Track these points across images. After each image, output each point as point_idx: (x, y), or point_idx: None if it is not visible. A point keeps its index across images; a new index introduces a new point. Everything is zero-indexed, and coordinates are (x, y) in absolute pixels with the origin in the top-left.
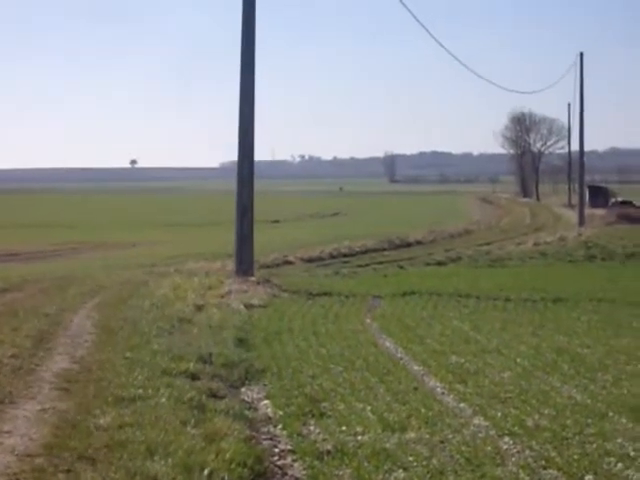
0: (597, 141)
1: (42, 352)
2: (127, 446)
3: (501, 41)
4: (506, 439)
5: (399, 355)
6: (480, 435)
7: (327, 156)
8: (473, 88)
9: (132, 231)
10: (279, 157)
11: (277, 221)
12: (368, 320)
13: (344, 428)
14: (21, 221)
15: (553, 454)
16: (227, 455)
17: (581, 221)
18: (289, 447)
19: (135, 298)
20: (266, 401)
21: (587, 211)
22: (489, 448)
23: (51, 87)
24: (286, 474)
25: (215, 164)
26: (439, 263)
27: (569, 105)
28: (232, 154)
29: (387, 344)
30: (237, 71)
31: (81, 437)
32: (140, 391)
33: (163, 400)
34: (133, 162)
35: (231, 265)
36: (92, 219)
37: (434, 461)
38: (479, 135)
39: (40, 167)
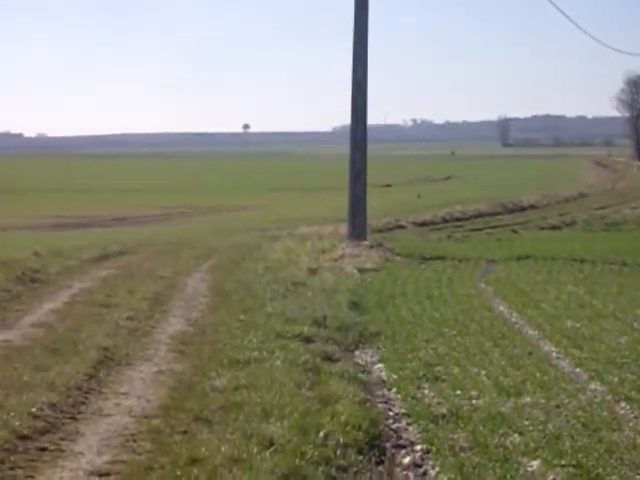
0: None
1: (158, 314)
2: (243, 408)
3: (616, 2)
4: (623, 404)
5: (513, 319)
6: (596, 400)
7: (439, 120)
8: (588, 51)
9: (245, 195)
10: (391, 121)
11: (389, 185)
12: (482, 284)
13: (459, 392)
14: (133, 185)
15: None
16: (342, 418)
17: None
18: (403, 410)
19: (248, 261)
20: (380, 364)
21: None
22: (605, 413)
23: (163, 52)
24: (401, 437)
25: (327, 128)
26: (553, 227)
27: None
28: (345, 118)
29: (501, 308)
30: (350, 35)
31: (197, 399)
32: (255, 354)
33: (278, 363)
34: (246, 127)
35: (344, 229)
36: (205, 183)
37: (550, 426)
38: (594, 98)
39: (155, 132)
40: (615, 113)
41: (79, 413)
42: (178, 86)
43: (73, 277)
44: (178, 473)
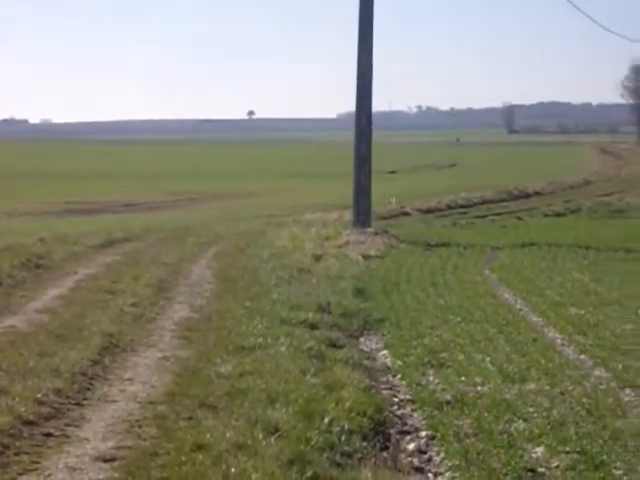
0: None
1: (162, 301)
2: (248, 394)
3: None
4: (627, 391)
5: (518, 306)
6: (601, 387)
7: (444, 106)
8: (593, 38)
9: (249, 182)
10: (396, 108)
11: (394, 172)
12: (487, 271)
13: (463, 378)
14: (142, 171)
15: None
16: (347, 404)
17: None
18: (408, 397)
19: (254, 248)
20: (385, 351)
21: None
22: (610, 400)
23: (166, 39)
24: (406, 424)
25: (332, 115)
26: (558, 214)
27: None
28: (349, 105)
29: (506, 295)
30: (355, 20)
31: (202, 385)
32: (260, 340)
33: (283, 349)
34: (250, 113)
35: (348, 216)
36: (210, 169)
37: (554, 412)
38: (599, 85)
39: (158, 118)
40: (620, 100)
41: (84, 399)
42: (181, 73)
43: (78, 263)
44: (183, 459)
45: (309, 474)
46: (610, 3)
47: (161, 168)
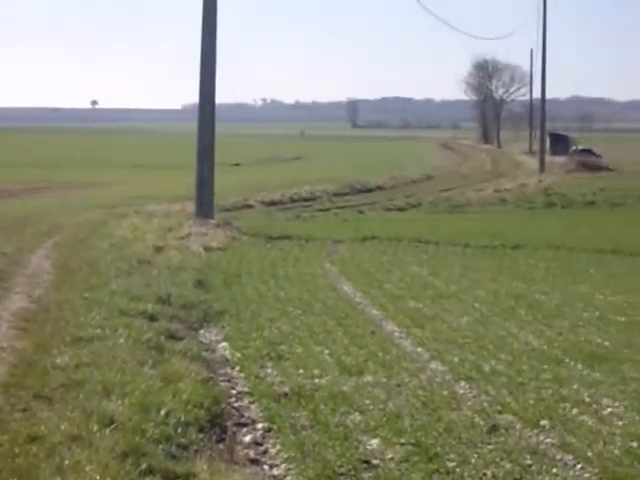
0: (559, 89)
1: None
2: (84, 386)
3: None
4: (462, 384)
5: (357, 299)
6: (436, 379)
7: (289, 100)
8: (436, 34)
9: (92, 172)
10: (241, 100)
11: (238, 164)
12: (327, 264)
13: (302, 371)
14: None
15: (509, 399)
16: (184, 396)
17: (541, 168)
18: (246, 389)
19: (94, 239)
20: (224, 343)
21: (548, 159)
22: (445, 392)
23: (11, 25)
24: (243, 416)
25: (177, 106)
26: (399, 209)
27: (531, 51)
28: (194, 96)
29: (346, 288)
30: (200, 11)
31: (38, 376)
32: (98, 331)
33: (121, 340)
34: (94, 103)
35: (191, 208)
36: (51, 159)
37: (390, 404)
38: (442, 81)
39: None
40: (461, 96)
41: None
42: (28, 60)
43: None
44: (16, 451)
45: (144, 466)
46: (454, 1)
47: (4, 156)
